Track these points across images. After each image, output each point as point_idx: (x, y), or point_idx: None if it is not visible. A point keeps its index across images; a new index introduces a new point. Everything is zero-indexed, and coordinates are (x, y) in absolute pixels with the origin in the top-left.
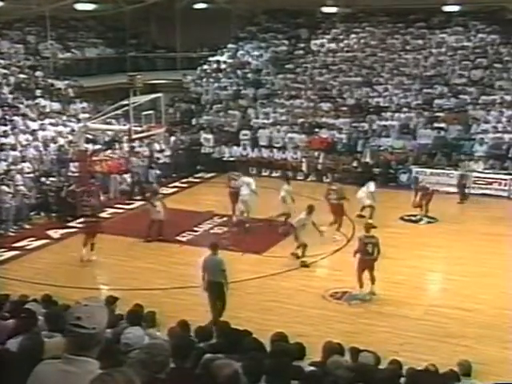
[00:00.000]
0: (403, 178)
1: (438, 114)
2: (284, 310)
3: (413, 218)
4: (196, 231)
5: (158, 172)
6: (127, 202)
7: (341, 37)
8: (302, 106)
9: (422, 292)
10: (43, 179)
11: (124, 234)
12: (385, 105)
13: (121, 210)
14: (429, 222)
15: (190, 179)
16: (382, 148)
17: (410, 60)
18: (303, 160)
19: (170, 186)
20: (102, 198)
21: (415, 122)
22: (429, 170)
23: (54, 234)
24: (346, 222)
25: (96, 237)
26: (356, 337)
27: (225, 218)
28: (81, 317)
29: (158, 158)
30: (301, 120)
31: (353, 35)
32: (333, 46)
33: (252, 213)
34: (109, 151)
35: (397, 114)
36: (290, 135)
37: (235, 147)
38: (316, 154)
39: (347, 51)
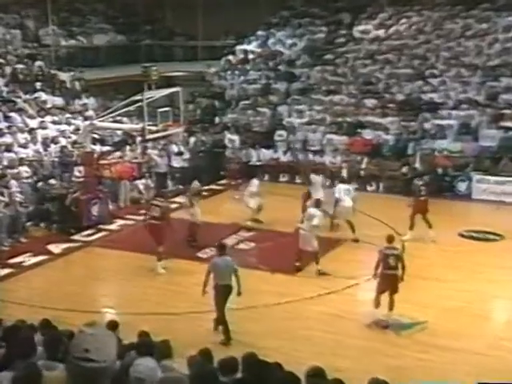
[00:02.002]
0: (461, 186)
1: (504, 112)
2: (319, 340)
3: (474, 235)
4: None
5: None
6: (139, 211)
7: (389, 22)
8: (343, 103)
9: (485, 322)
10: (43, 185)
11: (135, 249)
12: (440, 101)
13: (131, 222)
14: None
15: (212, 186)
16: (436, 151)
17: (470, 48)
18: (343, 165)
19: (187, 195)
20: (110, 207)
21: (477, 121)
22: (493, 178)
23: (55, 248)
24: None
25: None
26: (405, 373)
27: (252, 232)
28: (89, 349)
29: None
30: (341, 119)
31: (403, 20)
32: (379, 32)
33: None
34: (119, 153)
35: (454, 112)
36: (328, 136)
37: (264, 150)
38: (358, 158)
39: (396, 39)
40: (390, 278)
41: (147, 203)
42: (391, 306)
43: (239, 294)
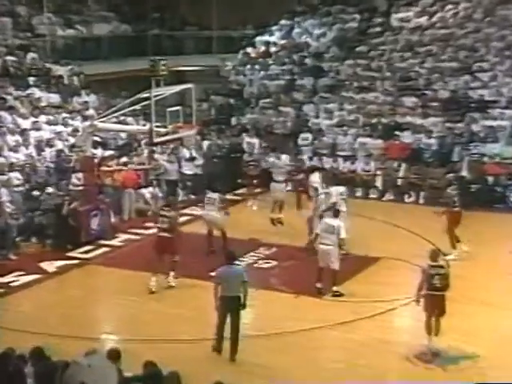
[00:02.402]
0: None
1: None
2: (350, 374)
3: None
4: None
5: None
6: (146, 224)
7: (432, 8)
8: (378, 102)
9: None
10: (36, 194)
11: (140, 267)
12: (491, 99)
13: (137, 236)
14: None
15: (229, 196)
16: (486, 157)
17: None
18: (378, 173)
19: (202, 204)
20: (112, 219)
21: None
22: None
23: (49, 266)
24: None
25: None
26: None
27: (274, 249)
28: (86, 382)
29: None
30: (375, 120)
31: (449, 6)
32: (421, 20)
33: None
34: (123, 159)
35: (508, 111)
36: (360, 140)
37: (286, 155)
38: (395, 164)
39: (440, 27)
40: (436, 301)
41: (155, 215)
42: (437, 331)
43: (244, 306)
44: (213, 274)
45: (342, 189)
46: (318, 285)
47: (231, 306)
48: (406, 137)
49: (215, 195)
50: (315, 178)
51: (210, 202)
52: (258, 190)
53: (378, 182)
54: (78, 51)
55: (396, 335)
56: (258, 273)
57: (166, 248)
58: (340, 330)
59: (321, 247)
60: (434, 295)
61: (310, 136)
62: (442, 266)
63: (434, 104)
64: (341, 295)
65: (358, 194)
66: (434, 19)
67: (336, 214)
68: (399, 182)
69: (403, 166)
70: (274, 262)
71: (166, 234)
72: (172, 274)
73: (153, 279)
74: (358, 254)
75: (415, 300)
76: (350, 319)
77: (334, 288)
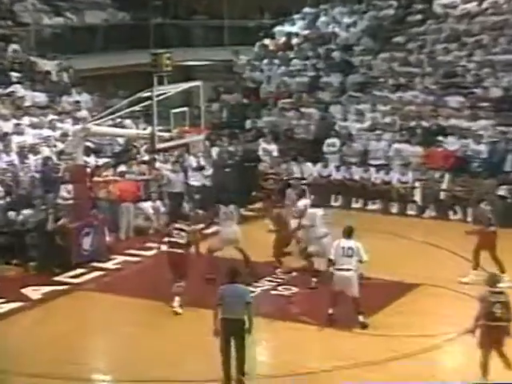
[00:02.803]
0: None
1: None
2: None
3: None
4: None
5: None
6: (146, 245)
7: None
8: (417, 101)
9: None
10: (18, 209)
11: (140, 294)
12: None
13: (135, 258)
14: None
15: (242, 212)
16: None
17: None
18: (416, 185)
19: (212, 220)
20: (107, 238)
21: None
22: None
23: (33, 293)
24: None
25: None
26: None
27: (294, 273)
28: None
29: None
30: (414, 123)
31: None
32: (469, 6)
33: None
34: (120, 168)
35: None
36: (396, 146)
37: (310, 164)
38: (437, 175)
39: (492, 14)
40: (496, 332)
41: (158, 232)
42: (508, 365)
43: (249, 332)
44: None
45: (320, 212)
46: (330, 311)
47: (233, 331)
48: (451, 143)
49: (232, 208)
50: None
51: (228, 217)
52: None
53: (417, 196)
54: (67, 43)
55: (442, 376)
56: (276, 300)
57: (175, 267)
58: (373, 371)
59: (339, 274)
60: (495, 326)
61: (337, 142)
62: (502, 293)
63: (484, 104)
64: (366, 326)
65: (394, 210)
66: (485, 5)
67: (349, 233)
68: (442, 195)
69: (447, 176)
70: (295, 289)
71: (178, 251)
72: (177, 299)
73: (176, 299)
74: (394, 279)
75: (470, 331)
76: (384, 357)
77: (361, 318)
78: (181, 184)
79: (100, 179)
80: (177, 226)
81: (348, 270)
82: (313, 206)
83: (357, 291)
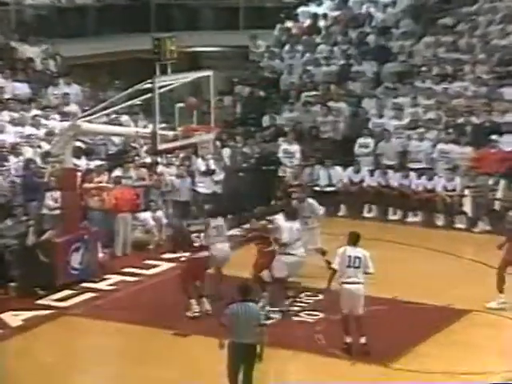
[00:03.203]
0: None
1: None
2: None
3: None
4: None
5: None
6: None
7: None
8: (466, 94)
9: None
10: None
11: (138, 320)
12: None
13: (133, 278)
14: None
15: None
16: None
17: None
18: (466, 193)
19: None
20: (100, 254)
21: None
22: None
23: (13, 319)
24: None
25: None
26: None
27: (321, 296)
28: None
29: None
30: (462, 119)
31: None
32: None
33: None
34: (116, 172)
35: None
36: (440, 147)
37: (339, 168)
38: (491, 181)
39: None
40: None
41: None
42: None
43: (260, 359)
44: None
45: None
46: (348, 339)
47: (244, 357)
48: (507, 143)
49: (221, 221)
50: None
51: (219, 233)
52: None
53: (467, 206)
54: (53, 25)
55: None
56: (300, 328)
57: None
58: None
59: (346, 288)
60: None
61: (370, 142)
62: None
63: None
64: (369, 352)
65: (439, 222)
66: None
67: (356, 240)
68: (497, 205)
69: (502, 183)
70: (321, 314)
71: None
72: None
73: (193, 301)
74: (439, 304)
75: None
76: None
77: (363, 340)
78: (187, 191)
79: (92, 185)
80: (193, 228)
81: (356, 283)
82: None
83: (362, 309)
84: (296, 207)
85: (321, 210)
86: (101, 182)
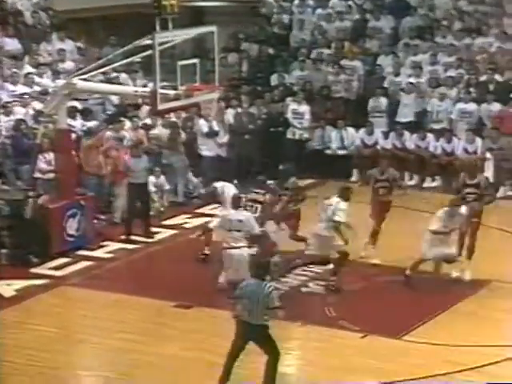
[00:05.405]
0: None
1: None
2: None
3: None
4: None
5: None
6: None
7: None
8: (491, 50)
9: None
10: None
11: (136, 291)
12: None
13: (133, 246)
14: None
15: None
16: None
17: None
18: (488, 156)
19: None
20: (96, 221)
21: None
22: None
23: (5, 289)
24: None
25: None
26: None
27: (331, 265)
28: None
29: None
30: (485, 77)
31: None
32: None
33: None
34: (109, 133)
35: None
36: (460, 106)
37: (351, 129)
38: None
39: None
40: None
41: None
42: None
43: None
44: None
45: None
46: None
47: (253, 337)
48: None
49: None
50: None
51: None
52: (310, 181)
53: (489, 171)
54: None
55: None
56: (308, 300)
57: None
58: None
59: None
60: None
61: (383, 101)
62: None
63: None
64: None
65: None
66: None
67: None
68: None
69: None
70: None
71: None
72: None
73: None
74: (457, 274)
75: None
76: (443, 371)
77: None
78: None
79: (87, 147)
80: (249, 196)
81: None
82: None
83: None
84: None
85: None
86: (99, 145)
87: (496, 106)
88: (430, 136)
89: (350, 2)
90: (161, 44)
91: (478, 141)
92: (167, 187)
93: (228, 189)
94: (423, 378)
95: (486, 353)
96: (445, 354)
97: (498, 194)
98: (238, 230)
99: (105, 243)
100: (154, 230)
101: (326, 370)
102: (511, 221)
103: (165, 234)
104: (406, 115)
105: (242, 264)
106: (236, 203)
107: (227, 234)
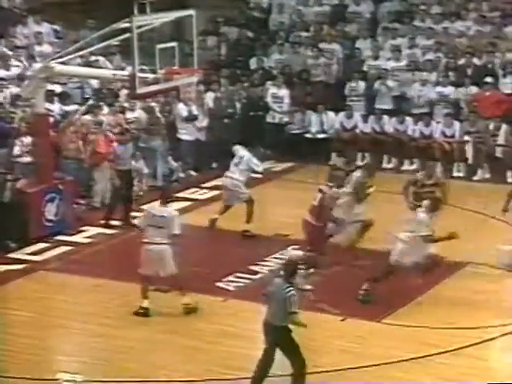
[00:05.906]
0: None
1: None
2: None
3: None
4: (255, 273)
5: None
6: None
7: None
8: (469, 34)
9: None
10: None
11: (116, 276)
12: None
13: (112, 231)
14: None
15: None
16: None
17: None
18: (466, 139)
19: (206, 186)
20: (76, 206)
21: None
22: None
23: None
24: None
25: None
26: None
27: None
28: None
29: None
30: (463, 60)
31: None
32: None
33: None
34: (86, 116)
35: None
36: (439, 89)
37: (331, 113)
38: (492, 126)
39: None
40: None
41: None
42: None
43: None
44: (221, 284)
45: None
46: None
47: (273, 338)
48: (507, 85)
49: (246, 154)
50: None
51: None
52: (288, 165)
53: (468, 153)
54: None
55: (496, 377)
56: None
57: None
58: (409, 370)
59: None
60: None
61: (361, 84)
62: None
63: None
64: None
65: (437, 170)
66: None
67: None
68: (498, 152)
69: (504, 128)
70: (311, 269)
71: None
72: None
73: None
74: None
75: None
76: (422, 354)
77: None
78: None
79: (66, 130)
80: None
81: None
82: None
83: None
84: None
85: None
86: (77, 129)
87: (474, 90)
88: (409, 119)
89: None
90: (139, 27)
91: (456, 124)
92: (146, 171)
93: (242, 151)
94: (402, 360)
95: (464, 335)
96: (423, 337)
97: (476, 177)
98: (161, 227)
99: (84, 228)
100: (132, 214)
101: (306, 352)
102: (487, 203)
103: None
104: (385, 102)
105: (157, 261)
106: (164, 198)
107: (149, 229)
